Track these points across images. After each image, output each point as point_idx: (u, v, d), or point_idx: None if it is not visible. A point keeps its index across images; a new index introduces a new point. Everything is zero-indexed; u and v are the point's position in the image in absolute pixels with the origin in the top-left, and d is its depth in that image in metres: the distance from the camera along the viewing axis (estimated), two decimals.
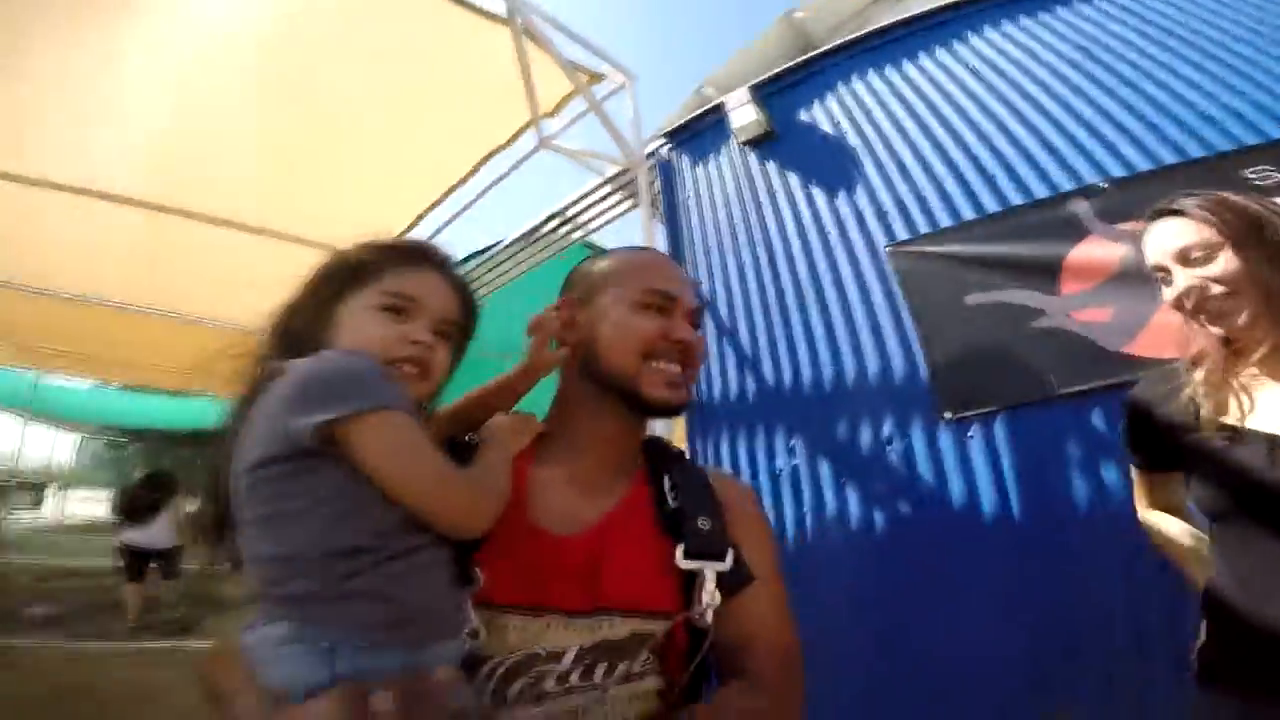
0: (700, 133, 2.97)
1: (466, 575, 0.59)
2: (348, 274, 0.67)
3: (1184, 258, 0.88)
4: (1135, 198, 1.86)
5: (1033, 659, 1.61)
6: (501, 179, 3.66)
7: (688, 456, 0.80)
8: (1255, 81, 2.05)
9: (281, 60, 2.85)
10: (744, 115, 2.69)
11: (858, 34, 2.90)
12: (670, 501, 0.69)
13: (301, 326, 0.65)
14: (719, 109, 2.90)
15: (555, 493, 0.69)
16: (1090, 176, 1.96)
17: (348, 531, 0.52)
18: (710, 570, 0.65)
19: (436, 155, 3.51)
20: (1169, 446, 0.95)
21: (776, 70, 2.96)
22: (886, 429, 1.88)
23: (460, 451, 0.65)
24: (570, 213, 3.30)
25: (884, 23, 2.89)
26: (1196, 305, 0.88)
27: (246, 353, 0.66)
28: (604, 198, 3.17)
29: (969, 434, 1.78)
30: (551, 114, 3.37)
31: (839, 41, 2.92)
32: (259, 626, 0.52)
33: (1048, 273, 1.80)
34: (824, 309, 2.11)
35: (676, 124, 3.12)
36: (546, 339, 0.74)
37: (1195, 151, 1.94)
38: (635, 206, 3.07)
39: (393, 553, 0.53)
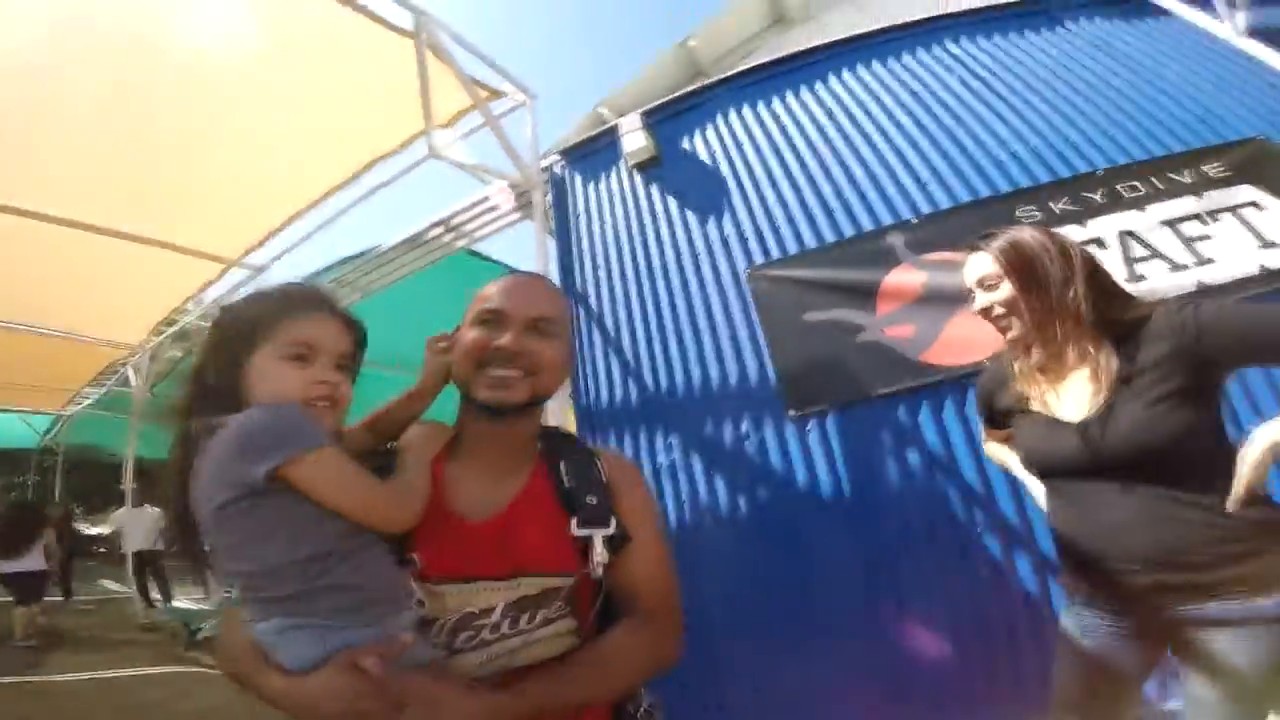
0: (594, 153, 3.15)
1: (404, 559, 0.73)
2: (247, 332, 0.74)
3: (981, 284, 1.18)
4: (938, 232, 2.30)
5: (865, 598, 1.97)
6: (386, 185, 3.62)
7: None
8: (1036, 130, 2.54)
9: (150, 47, 2.68)
10: (635, 140, 2.90)
11: (737, 70, 3.21)
12: (565, 483, 0.83)
13: (217, 384, 0.73)
14: (613, 131, 3.09)
15: (467, 485, 0.81)
16: (905, 212, 2.37)
17: (308, 544, 0.65)
18: (598, 535, 0.79)
19: (319, 156, 3.43)
20: (1002, 415, 1.30)
21: (665, 99, 3.21)
22: (744, 425, 2.19)
23: (382, 458, 0.78)
24: (455, 220, 3.36)
25: (763, 59, 3.23)
26: (986, 318, 1.20)
27: (169, 409, 0.76)
28: (491, 208, 3.25)
29: (808, 428, 2.12)
30: (446, 125, 3.42)
31: (720, 76, 3.23)
32: (255, 623, 0.66)
33: (868, 295, 2.18)
34: (693, 323, 2.39)
35: (572, 142, 3.29)
36: (435, 355, 0.88)
37: (984, 192, 2.39)
38: (523, 218, 3.19)
39: (346, 553, 0.67)
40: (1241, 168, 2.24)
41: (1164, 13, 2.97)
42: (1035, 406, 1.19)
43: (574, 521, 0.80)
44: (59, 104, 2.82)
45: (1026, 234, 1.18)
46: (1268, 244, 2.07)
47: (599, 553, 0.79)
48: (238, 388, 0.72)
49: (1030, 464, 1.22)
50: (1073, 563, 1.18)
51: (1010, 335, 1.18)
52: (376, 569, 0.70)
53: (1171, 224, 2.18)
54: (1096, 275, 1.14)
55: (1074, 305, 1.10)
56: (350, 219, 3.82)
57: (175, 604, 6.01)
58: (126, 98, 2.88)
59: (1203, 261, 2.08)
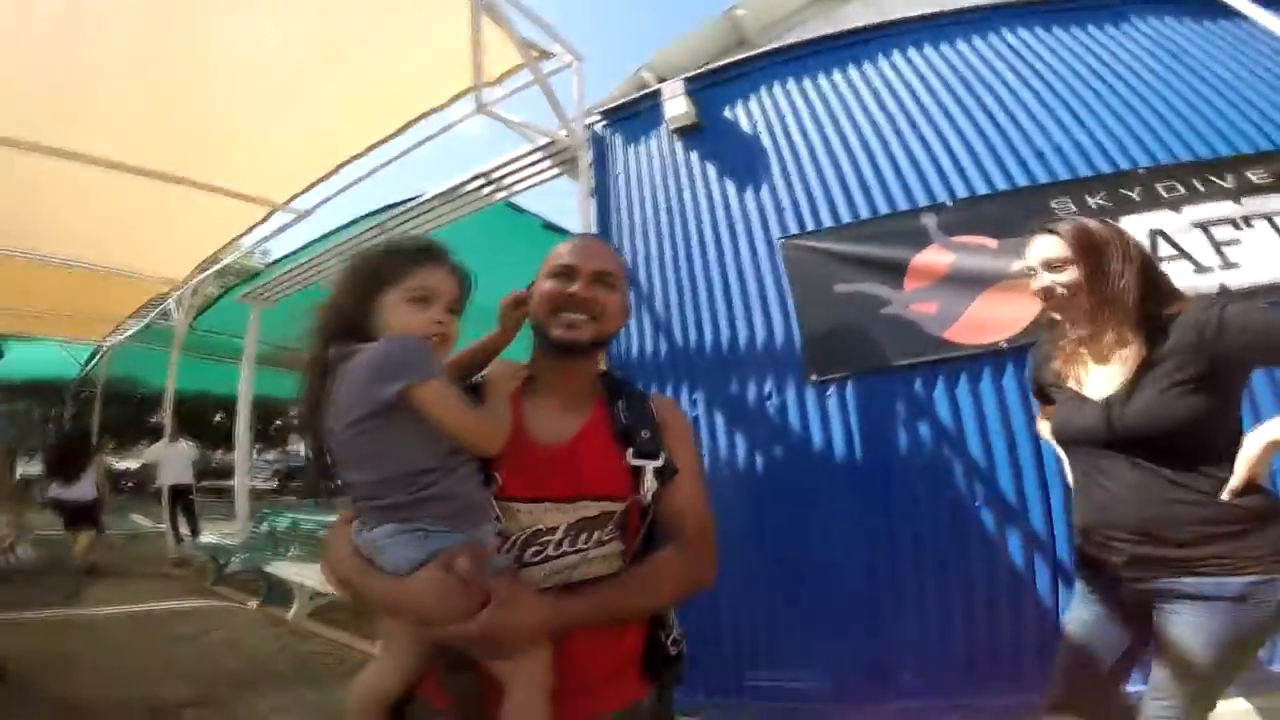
0: (635, 115, 3.21)
1: (489, 479, 0.85)
2: (381, 275, 0.87)
3: (1048, 265, 1.24)
4: (971, 216, 2.36)
5: (868, 553, 2.12)
6: (432, 138, 3.69)
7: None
8: (1082, 123, 2.56)
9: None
10: (676, 106, 2.95)
11: (783, 43, 3.23)
12: (622, 419, 0.95)
13: (350, 316, 0.86)
14: (655, 96, 3.14)
15: (541, 416, 0.94)
16: (941, 194, 2.43)
17: (423, 457, 0.78)
18: (649, 466, 0.90)
19: (368, 107, 3.49)
20: (1045, 393, 1.38)
21: (710, 66, 3.25)
22: (767, 386, 2.31)
23: (470, 392, 0.91)
24: (496, 174, 3.44)
25: (811, 34, 3.24)
26: (1046, 296, 1.26)
27: (308, 337, 0.88)
28: (533, 164, 3.32)
29: (828, 393, 2.24)
30: (494, 83, 3.49)
31: (767, 47, 3.24)
32: (365, 530, 0.79)
33: (897, 271, 2.26)
34: (726, 285, 2.49)
35: (613, 104, 3.35)
36: (509, 309, 1.02)
37: (1021, 180, 2.43)
38: (561, 174, 3.26)
39: (450, 468, 0.80)
40: None
41: (1236, 14, 2.90)
42: (1070, 383, 1.29)
43: (630, 452, 0.91)
44: (112, 50, 2.90)
45: (1094, 224, 1.26)
46: None
47: (649, 481, 0.90)
48: (366, 321, 0.85)
49: (1056, 435, 1.32)
50: (1076, 533, 1.29)
51: (1064, 315, 1.26)
52: (469, 484, 0.82)
53: (1204, 226, 2.21)
54: (1148, 270, 1.21)
55: (1125, 296, 1.17)
56: (396, 169, 3.94)
57: (204, 539, 6.13)
58: (178, 44, 2.95)
59: (1228, 265, 2.12)
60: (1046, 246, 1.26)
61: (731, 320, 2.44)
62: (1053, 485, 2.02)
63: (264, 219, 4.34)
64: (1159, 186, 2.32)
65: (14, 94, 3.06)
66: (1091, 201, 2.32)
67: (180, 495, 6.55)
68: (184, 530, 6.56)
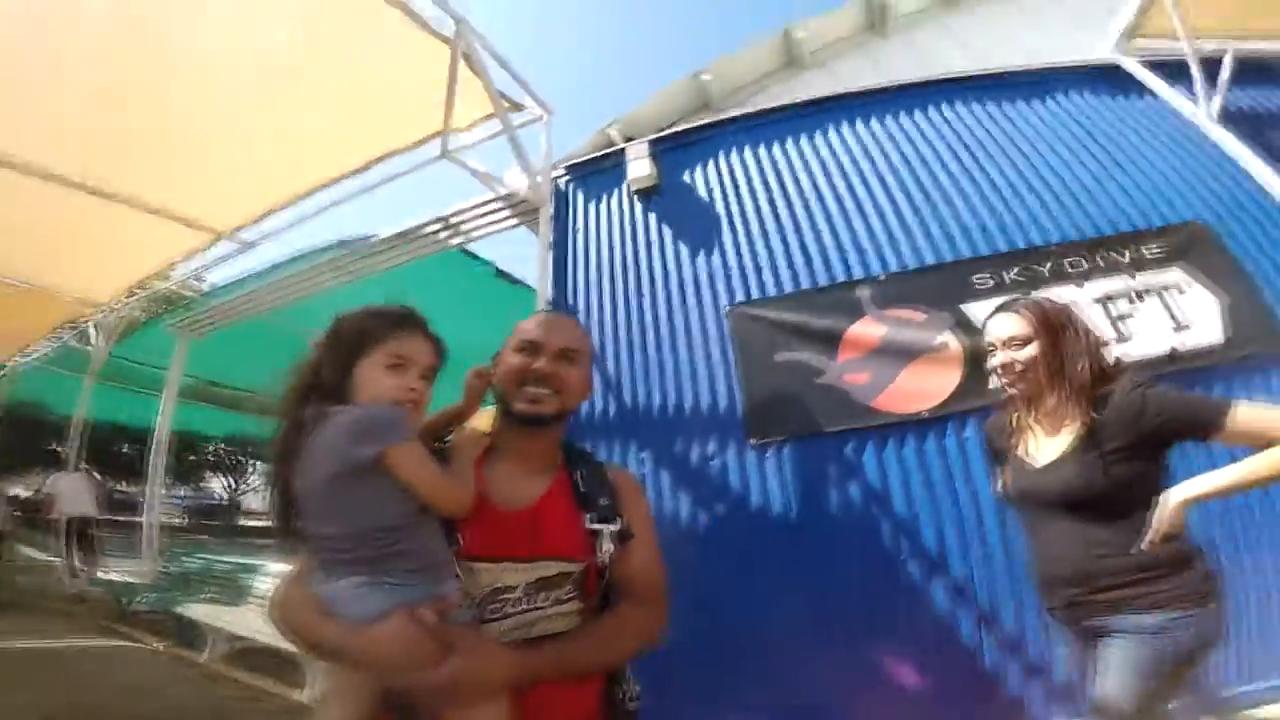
0: (599, 172, 3.33)
1: (452, 538, 0.90)
2: (360, 340, 0.92)
3: (1009, 342, 1.37)
4: (901, 289, 2.55)
5: (804, 605, 2.23)
6: (392, 179, 3.73)
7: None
8: (1003, 198, 2.77)
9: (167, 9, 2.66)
10: (640, 167, 3.09)
11: (745, 110, 3.41)
12: (581, 486, 1.02)
13: (328, 379, 0.91)
14: (620, 155, 3.27)
15: (504, 481, 0.99)
16: (876, 267, 2.62)
17: (391, 514, 0.83)
18: (607, 530, 0.97)
19: (331, 141, 3.47)
20: (1003, 459, 1.48)
21: (673, 130, 3.41)
22: (710, 447, 2.45)
23: (436, 456, 0.93)
24: (454, 219, 3.50)
25: (772, 102, 3.41)
26: (1005, 372, 1.38)
27: (281, 395, 0.92)
28: (492, 212, 3.40)
29: (766, 455, 2.38)
30: (464, 130, 3.56)
31: (730, 114, 3.41)
32: (328, 581, 0.82)
33: (832, 341, 2.44)
34: (674, 347, 2.62)
35: (579, 159, 3.47)
36: (473, 380, 1.08)
37: (947, 256, 2.64)
38: (520, 225, 3.36)
39: (417, 526, 0.85)
40: (1176, 250, 2.49)
41: (1149, 91, 3.18)
42: (1019, 450, 1.43)
43: (588, 517, 0.98)
44: (61, 51, 2.73)
45: (1052, 305, 1.40)
46: (1181, 326, 2.34)
47: (606, 545, 0.96)
48: (344, 384, 0.91)
49: (1005, 496, 1.46)
50: (1037, 583, 1.44)
51: (1019, 389, 1.38)
52: (434, 541, 0.87)
53: (1103, 301, 2.44)
54: (1097, 351, 1.36)
55: (1081, 375, 1.30)
56: (351, 208, 3.89)
57: (105, 575, 5.66)
58: (138, 50, 2.81)
59: (1123, 339, 2.35)
60: (1008, 325, 1.39)
61: (679, 382, 2.57)
62: (970, 540, 2.19)
63: (206, 246, 4.16)
64: (1066, 262, 2.54)
65: None
66: (1007, 277, 2.53)
67: (81, 528, 6.15)
68: (79, 564, 6.08)
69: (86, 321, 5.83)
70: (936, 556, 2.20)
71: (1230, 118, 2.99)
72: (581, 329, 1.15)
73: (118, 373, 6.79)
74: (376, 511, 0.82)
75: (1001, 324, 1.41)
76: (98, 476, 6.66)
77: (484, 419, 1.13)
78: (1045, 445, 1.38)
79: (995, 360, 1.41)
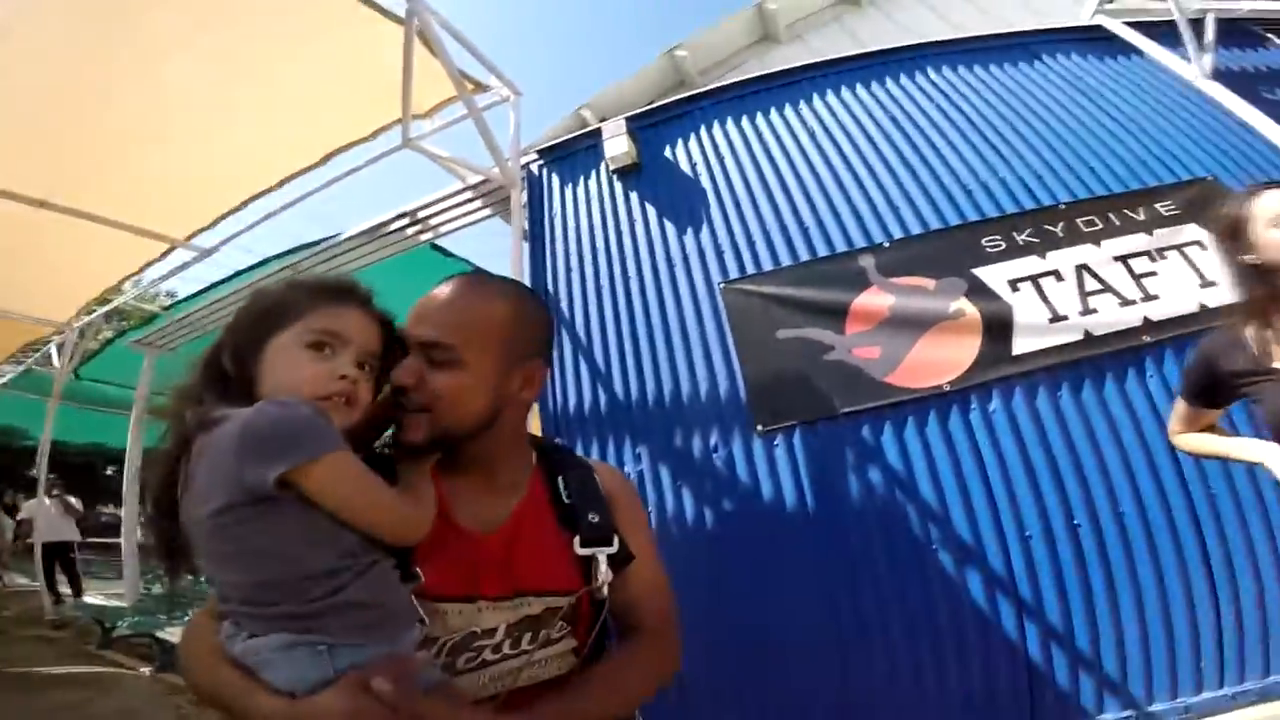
0: (574, 154, 3.12)
1: (407, 574, 0.69)
2: (273, 313, 0.69)
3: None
4: (907, 256, 2.37)
5: (829, 603, 2.02)
6: (354, 172, 3.57)
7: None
8: (1005, 160, 2.62)
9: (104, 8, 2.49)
10: (617, 145, 2.88)
11: (723, 83, 3.24)
12: (565, 499, 0.82)
13: (231, 365, 0.68)
14: (595, 135, 3.07)
15: (466, 497, 0.78)
16: (878, 236, 2.43)
17: (320, 557, 0.60)
18: (601, 554, 0.78)
19: (285, 136, 3.30)
20: (1225, 389, 1.24)
21: (650, 106, 3.22)
22: (713, 438, 2.22)
23: (377, 463, 0.71)
24: (422, 214, 3.29)
25: (749, 75, 3.26)
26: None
27: (173, 391, 0.69)
28: (463, 203, 3.20)
29: (775, 443, 2.16)
30: (424, 116, 3.35)
31: (707, 87, 3.25)
32: (242, 637, 0.60)
33: (838, 315, 2.23)
34: (667, 332, 2.40)
35: (551, 142, 3.26)
36: None
37: (953, 219, 2.46)
38: (493, 215, 3.16)
39: (361, 567, 0.62)
40: (1190, 207, 2.36)
41: (1136, 51, 3.10)
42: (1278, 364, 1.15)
43: (576, 540, 0.79)
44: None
45: None
46: (1207, 283, 2.19)
47: (603, 571, 0.77)
48: (251, 375, 0.67)
49: (1273, 421, 1.17)
50: None
51: None
52: (387, 585, 0.65)
53: (1123, 259, 2.28)
54: None
55: None
56: (314, 205, 3.73)
57: (87, 600, 5.64)
58: (76, 58, 2.65)
59: (1149, 297, 2.18)
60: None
61: (674, 369, 2.34)
62: (1006, 524, 1.99)
63: (161, 256, 4.00)
64: (1079, 221, 2.39)
65: None
66: (1019, 238, 2.36)
67: (59, 553, 6.01)
68: (64, 590, 6.02)
69: (48, 343, 5.74)
70: (971, 544, 2.00)
71: (1220, 76, 2.90)
72: (481, 301, 0.79)
73: (89, 394, 6.62)
74: (294, 554, 0.59)
75: (1272, 200, 1.17)
76: (73, 500, 6.40)
77: None
78: None
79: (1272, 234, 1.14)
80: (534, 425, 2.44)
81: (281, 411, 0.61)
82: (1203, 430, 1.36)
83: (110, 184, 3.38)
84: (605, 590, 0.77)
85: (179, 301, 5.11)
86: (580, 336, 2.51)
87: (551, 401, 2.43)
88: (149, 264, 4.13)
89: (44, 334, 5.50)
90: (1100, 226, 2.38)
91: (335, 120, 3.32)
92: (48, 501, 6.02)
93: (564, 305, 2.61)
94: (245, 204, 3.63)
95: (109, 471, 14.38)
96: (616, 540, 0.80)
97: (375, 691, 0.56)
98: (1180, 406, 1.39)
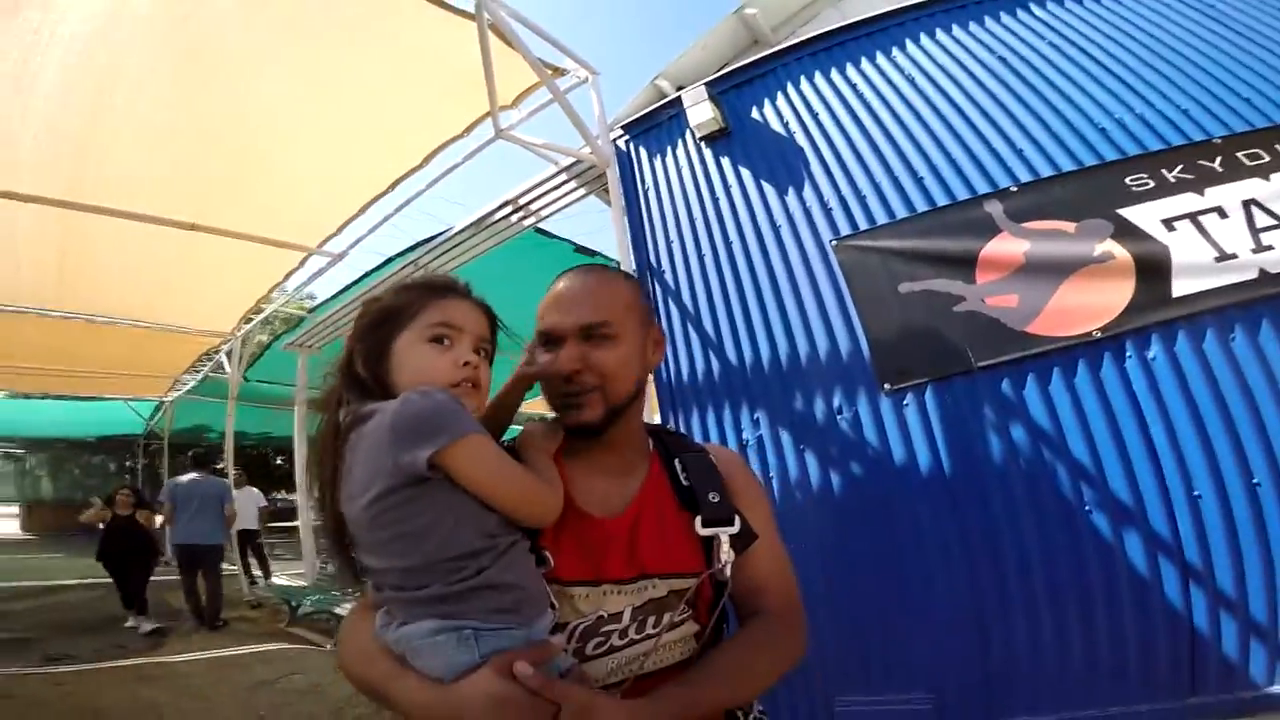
0: (658, 125, 3.09)
1: (537, 558, 0.72)
2: (391, 317, 0.74)
3: None
4: (1039, 200, 2.19)
5: (970, 587, 1.92)
6: (455, 168, 3.71)
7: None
8: (1141, 96, 2.39)
9: (209, 43, 2.74)
10: (700, 112, 2.82)
11: (804, 37, 3.10)
12: (683, 481, 0.83)
13: (364, 370, 0.73)
14: (676, 104, 3.01)
15: (589, 482, 0.81)
16: (1003, 180, 2.26)
17: (465, 538, 0.64)
18: (724, 534, 0.78)
19: (388, 144, 3.49)
20: None
21: (729, 69, 3.13)
22: (836, 400, 2.14)
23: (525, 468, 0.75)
24: (523, 200, 3.36)
25: (828, 25, 3.11)
26: None
27: (320, 396, 0.76)
28: (558, 185, 3.24)
29: (905, 402, 2.06)
30: (510, 106, 3.42)
31: (787, 44, 3.12)
32: (397, 626, 0.64)
33: (966, 264, 2.09)
34: (778, 295, 2.33)
35: (632, 117, 3.23)
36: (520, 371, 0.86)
37: (1089, 160, 2.25)
38: (588, 194, 3.18)
39: (502, 548, 0.66)
40: None
41: None
42: None
43: (698, 520, 0.79)
44: (126, 107, 2.90)
45: None
46: None
47: (725, 552, 0.77)
48: (384, 375, 0.72)
49: None
50: None
51: None
52: (526, 567, 0.68)
53: None
54: None
55: None
56: (425, 202, 3.94)
57: (276, 581, 6.24)
58: (190, 97, 2.96)
59: None
60: None
61: (789, 331, 2.28)
62: (1171, 481, 1.82)
63: (299, 264, 4.41)
64: (1241, 155, 2.13)
65: (44, 157, 3.07)
66: (1170, 176, 2.14)
67: (249, 539, 6.61)
68: (257, 572, 6.66)
69: (218, 352, 6.57)
70: (1131, 505, 1.84)
71: None
72: (612, 281, 0.86)
73: (258, 393, 7.61)
74: (446, 534, 0.63)
75: None
76: (256, 490, 7.12)
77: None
78: None
79: None
80: (651, 400, 2.44)
81: (425, 400, 0.65)
82: None
83: (245, 203, 3.75)
84: (728, 571, 0.77)
85: (320, 304, 5.65)
86: (688, 307, 2.49)
87: (666, 373, 2.42)
88: (290, 273, 4.58)
89: (214, 344, 6.33)
90: (1267, 159, 2.11)
91: (429, 121, 3.47)
92: (237, 492, 6.48)
93: (669, 277, 2.59)
94: (364, 209, 3.88)
95: (279, 460, 16.67)
96: (737, 521, 0.80)
97: (518, 676, 0.58)
98: None
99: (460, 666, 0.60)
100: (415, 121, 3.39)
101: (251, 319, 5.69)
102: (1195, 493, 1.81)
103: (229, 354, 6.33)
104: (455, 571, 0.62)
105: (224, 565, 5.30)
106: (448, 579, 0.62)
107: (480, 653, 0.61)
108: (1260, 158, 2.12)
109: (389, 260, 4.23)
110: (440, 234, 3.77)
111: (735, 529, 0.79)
